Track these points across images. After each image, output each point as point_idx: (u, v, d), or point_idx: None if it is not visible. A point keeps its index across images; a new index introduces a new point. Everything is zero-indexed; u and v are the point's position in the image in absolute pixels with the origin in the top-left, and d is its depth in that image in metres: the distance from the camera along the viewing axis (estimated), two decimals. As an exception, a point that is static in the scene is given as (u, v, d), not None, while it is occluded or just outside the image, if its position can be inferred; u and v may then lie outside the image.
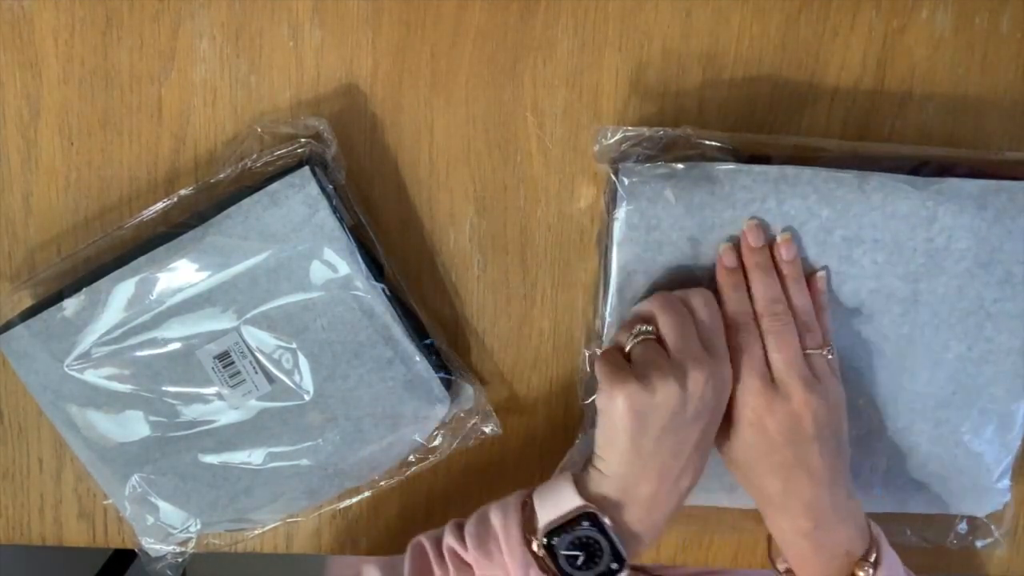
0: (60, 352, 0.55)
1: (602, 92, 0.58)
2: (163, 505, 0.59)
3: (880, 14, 0.57)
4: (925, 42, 0.57)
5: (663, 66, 0.58)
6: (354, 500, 0.63)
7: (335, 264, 0.55)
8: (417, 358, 0.57)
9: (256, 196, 0.54)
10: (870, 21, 0.57)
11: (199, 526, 0.60)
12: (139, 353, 0.55)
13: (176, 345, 0.55)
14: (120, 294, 0.54)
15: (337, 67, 0.58)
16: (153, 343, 0.55)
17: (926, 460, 0.56)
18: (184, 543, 0.61)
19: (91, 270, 0.56)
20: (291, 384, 0.56)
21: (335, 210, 0.55)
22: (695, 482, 0.52)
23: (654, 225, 0.52)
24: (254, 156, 0.57)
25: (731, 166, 0.52)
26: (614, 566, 0.50)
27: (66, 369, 0.55)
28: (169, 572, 0.62)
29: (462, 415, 0.61)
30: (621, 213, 0.52)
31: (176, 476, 0.58)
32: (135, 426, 0.57)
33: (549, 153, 0.59)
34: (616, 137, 0.54)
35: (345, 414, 0.57)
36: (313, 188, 0.54)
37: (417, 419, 0.58)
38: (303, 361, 0.56)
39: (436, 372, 0.58)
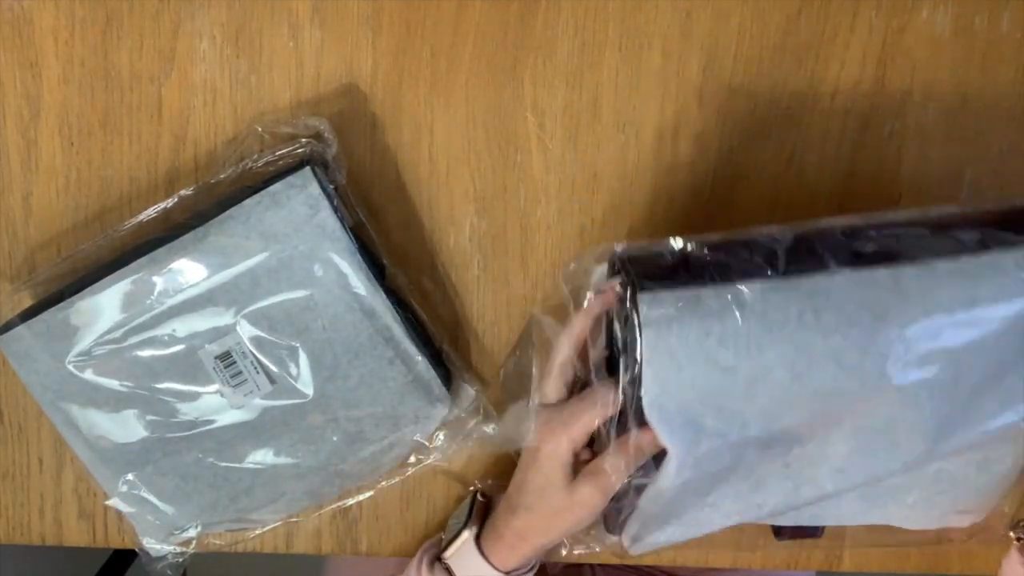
0: (61, 352, 0.55)
1: (602, 92, 0.58)
2: (164, 505, 0.59)
3: (880, 14, 0.57)
4: (925, 42, 0.57)
5: (663, 66, 0.58)
6: (354, 500, 0.63)
7: (336, 264, 0.55)
8: (418, 358, 0.57)
9: (257, 196, 0.54)
10: (870, 21, 0.57)
11: (200, 526, 0.60)
12: (140, 353, 0.55)
13: (177, 345, 0.55)
14: (121, 294, 0.54)
15: (337, 67, 0.58)
16: (154, 343, 0.55)
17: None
18: (185, 543, 0.61)
19: (91, 270, 0.56)
20: (292, 384, 0.56)
21: (336, 210, 0.55)
22: None
23: (684, 363, 0.47)
24: (255, 156, 0.57)
25: (765, 285, 0.47)
26: None
27: (67, 369, 0.55)
28: (169, 572, 0.62)
29: (463, 415, 0.61)
30: (643, 353, 0.47)
31: (177, 476, 0.58)
32: (135, 426, 0.57)
33: (549, 153, 0.59)
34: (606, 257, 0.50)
35: (346, 414, 0.57)
36: (314, 188, 0.54)
37: (418, 419, 0.58)
38: (304, 361, 0.56)
39: (436, 372, 0.58)
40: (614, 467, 0.50)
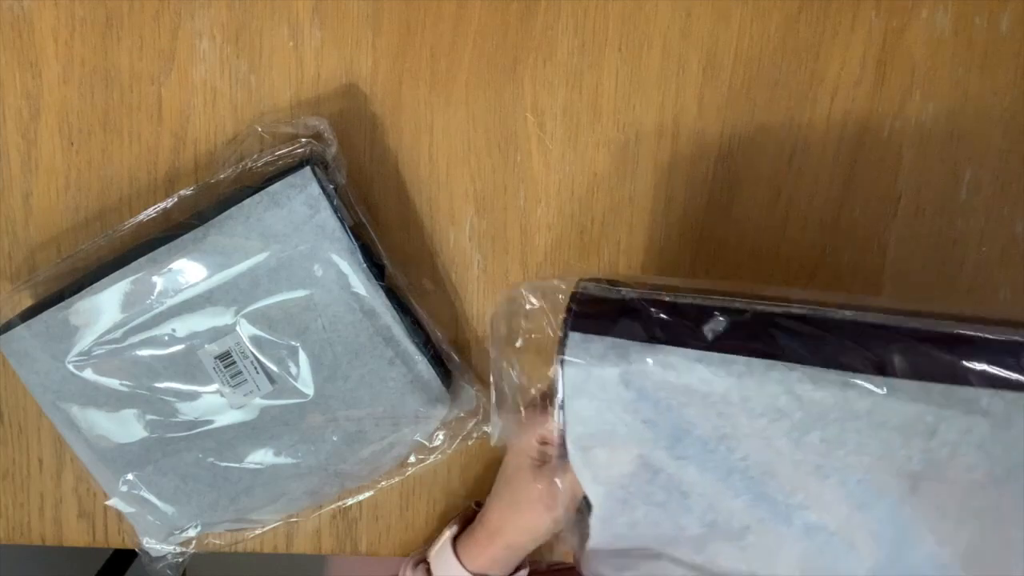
0: (61, 352, 0.55)
1: (602, 92, 0.58)
2: (163, 505, 0.59)
3: (880, 14, 0.57)
4: (925, 42, 0.57)
5: (663, 66, 0.58)
6: (354, 500, 0.63)
7: (336, 264, 0.55)
8: (417, 358, 0.57)
9: (257, 196, 0.54)
10: (870, 21, 0.57)
11: (200, 526, 0.60)
12: (140, 353, 0.55)
13: (177, 345, 0.55)
14: (121, 294, 0.54)
15: (337, 67, 0.58)
16: (154, 343, 0.55)
17: None
18: (185, 543, 0.61)
19: (91, 270, 0.56)
20: (292, 384, 0.56)
21: (336, 210, 0.55)
22: None
23: (605, 408, 0.46)
24: (254, 156, 0.57)
25: (692, 354, 0.44)
26: None
27: (67, 369, 0.55)
28: (169, 572, 0.62)
29: (462, 415, 0.61)
30: (565, 389, 0.46)
31: (177, 476, 0.58)
32: (135, 426, 0.57)
33: (549, 153, 0.59)
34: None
35: (346, 414, 0.57)
36: (314, 188, 0.54)
37: (417, 419, 0.58)
38: (304, 361, 0.56)
39: (436, 372, 0.58)
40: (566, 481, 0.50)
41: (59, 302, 0.55)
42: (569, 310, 0.47)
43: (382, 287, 0.56)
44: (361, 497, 0.63)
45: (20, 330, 0.55)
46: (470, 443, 0.61)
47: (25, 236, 0.60)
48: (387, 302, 0.56)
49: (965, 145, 0.58)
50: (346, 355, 0.56)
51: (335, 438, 0.58)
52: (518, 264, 0.61)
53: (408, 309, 0.59)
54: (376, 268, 0.57)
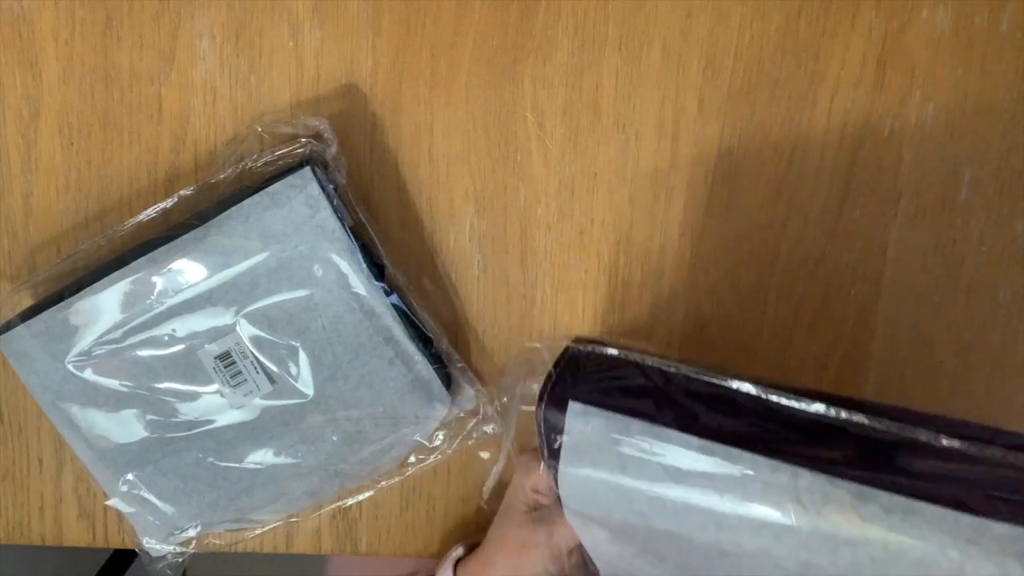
0: (60, 352, 0.55)
1: (602, 92, 0.58)
2: (163, 505, 0.59)
3: (880, 14, 0.57)
4: (925, 42, 0.57)
5: (663, 66, 0.58)
6: (354, 500, 0.63)
7: (336, 264, 0.55)
8: (417, 358, 0.57)
9: (257, 196, 0.54)
10: (870, 21, 0.57)
11: (200, 526, 0.60)
12: (139, 353, 0.55)
13: (177, 345, 0.55)
14: (120, 294, 0.54)
15: (337, 67, 0.58)
16: (154, 343, 0.55)
17: None
18: (185, 543, 0.61)
19: (91, 270, 0.56)
20: (292, 384, 0.56)
21: (336, 210, 0.55)
22: None
23: (601, 492, 0.43)
24: (254, 156, 0.57)
25: (695, 443, 0.41)
26: None
27: (66, 369, 0.55)
28: (169, 572, 0.62)
29: (462, 415, 0.61)
30: (561, 464, 0.44)
31: (177, 476, 0.58)
32: (135, 426, 0.57)
33: (549, 153, 0.59)
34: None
35: (346, 414, 0.57)
36: (314, 188, 0.54)
37: (417, 419, 0.58)
38: (304, 361, 0.56)
39: (436, 372, 0.58)
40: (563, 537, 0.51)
41: (59, 302, 0.55)
42: (566, 374, 0.45)
43: (382, 287, 0.56)
44: (361, 497, 0.63)
45: (20, 330, 0.55)
46: (470, 443, 0.61)
47: (25, 236, 0.60)
48: (387, 302, 0.56)
49: (965, 145, 0.58)
50: (346, 355, 0.56)
51: (335, 438, 0.58)
52: (518, 264, 0.61)
53: (408, 309, 0.58)
54: (376, 268, 0.57)
